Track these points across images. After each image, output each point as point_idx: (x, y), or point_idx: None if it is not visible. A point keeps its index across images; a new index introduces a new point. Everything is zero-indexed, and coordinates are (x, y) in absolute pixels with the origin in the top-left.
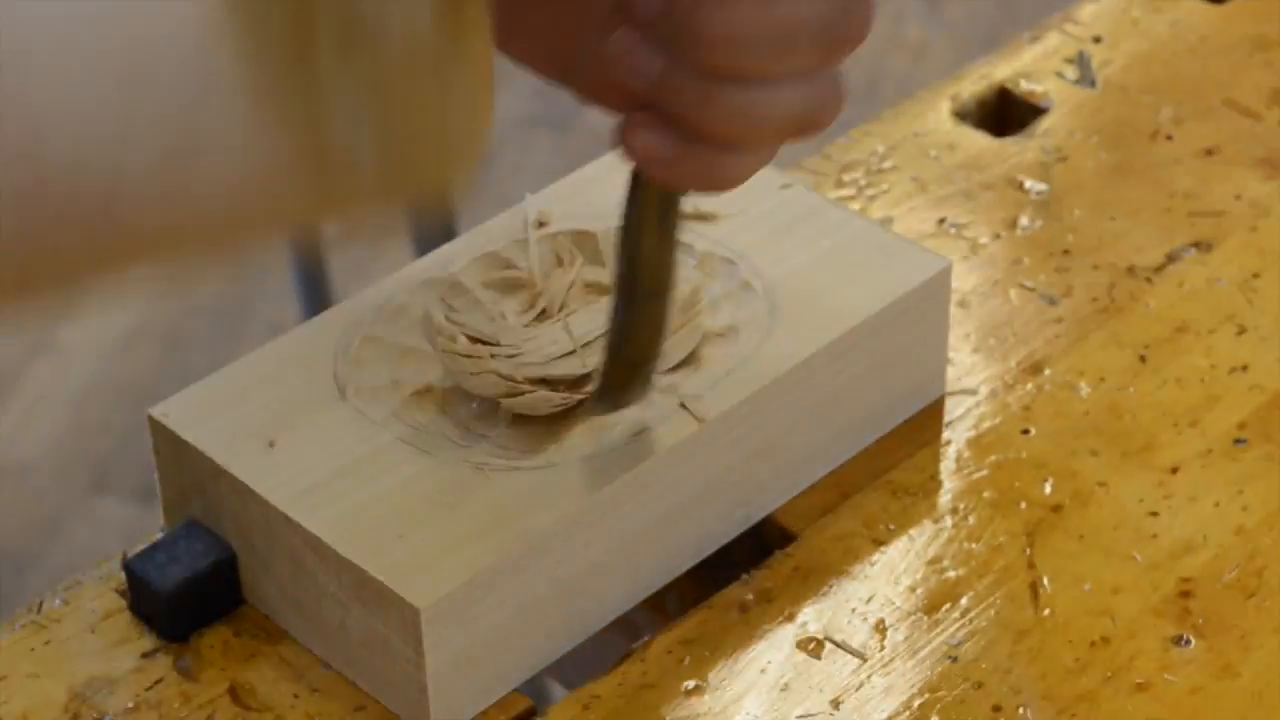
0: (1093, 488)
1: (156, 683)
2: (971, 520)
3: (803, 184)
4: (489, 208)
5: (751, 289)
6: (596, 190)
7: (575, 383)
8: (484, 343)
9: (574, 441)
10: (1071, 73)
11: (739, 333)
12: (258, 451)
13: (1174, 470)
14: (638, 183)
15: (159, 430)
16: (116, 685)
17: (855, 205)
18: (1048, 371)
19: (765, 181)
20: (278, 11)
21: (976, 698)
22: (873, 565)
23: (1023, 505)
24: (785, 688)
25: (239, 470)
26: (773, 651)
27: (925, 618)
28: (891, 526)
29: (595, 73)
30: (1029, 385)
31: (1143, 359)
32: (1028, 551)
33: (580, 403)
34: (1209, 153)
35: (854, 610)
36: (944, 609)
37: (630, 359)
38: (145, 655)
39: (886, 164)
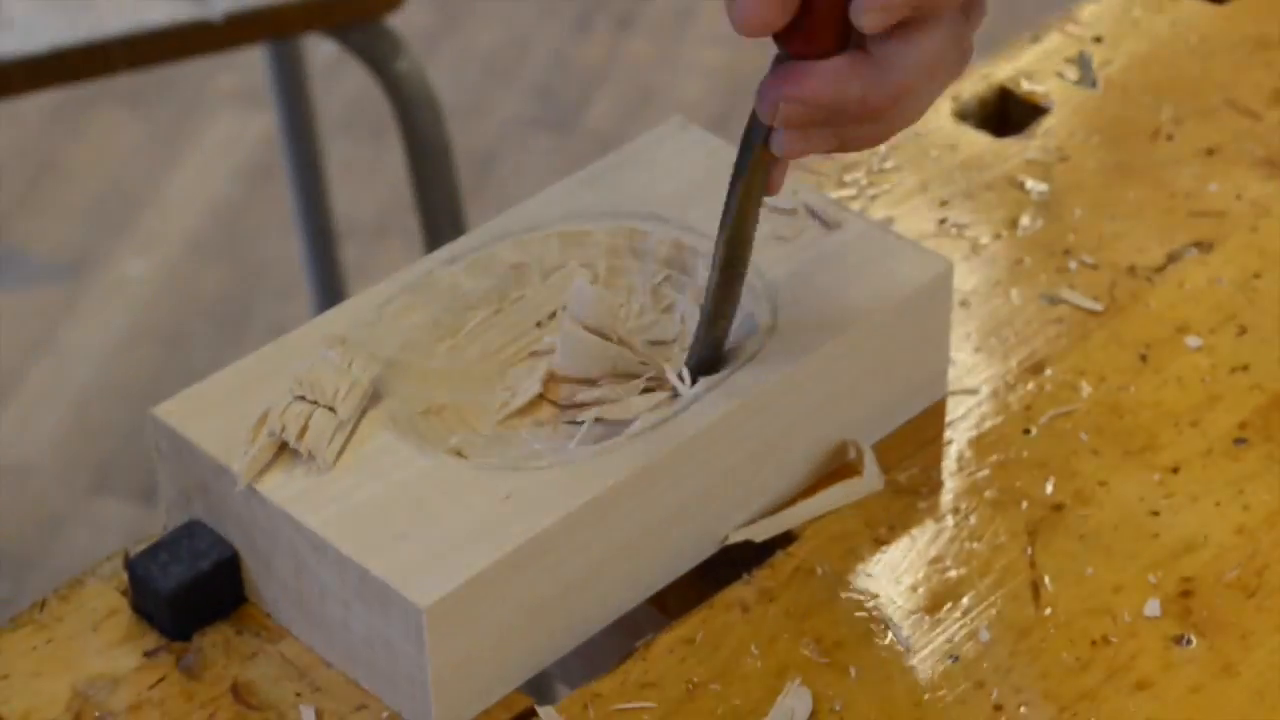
0: (1094, 487)
1: (159, 681)
2: (973, 520)
3: (805, 184)
4: (490, 207)
5: (753, 289)
6: (596, 191)
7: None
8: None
9: (576, 441)
10: (1072, 73)
11: (741, 332)
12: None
13: (1175, 470)
14: (748, 166)
15: (161, 430)
16: (119, 684)
17: (856, 205)
18: (1049, 371)
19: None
20: None
21: (978, 697)
22: (874, 565)
23: (1024, 505)
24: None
25: (241, 469)
26: (775, 651)
27: (926, 617)
28: (893, 526)
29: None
30: (1030, 385)
31: (1143, 359)
32: (1029, 551)
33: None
34: (1210, 153)
35: (855, 610)
36: (945, 608)
37: (717, 333)
38: (147, 654)
39: (888, 164)
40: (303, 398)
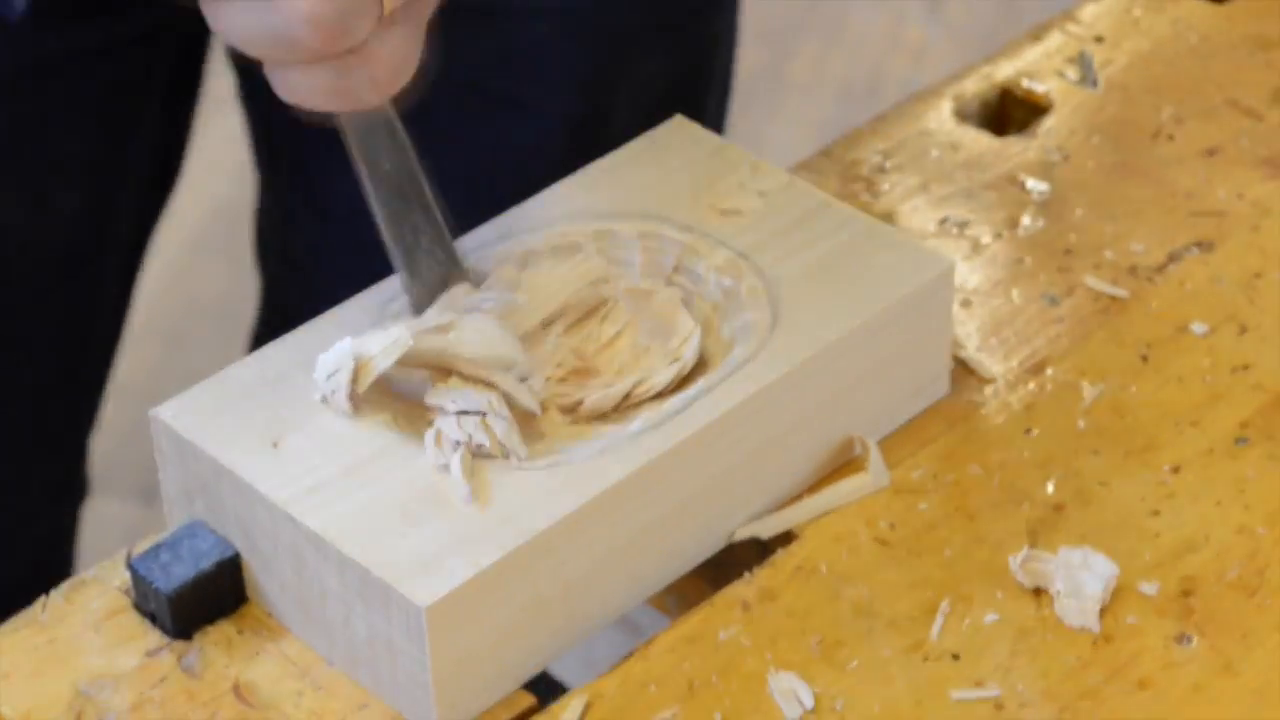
0: (1095, 487)
1: (160, 681)
2: (973, 519)
3: (805, 183)
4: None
5: (754, 288)
6: (596, 191)
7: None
8: None
9: (577, 441)
10: (1073, 72)
11: (742, 332)
12: (261, 451)
13: (1176, 469)
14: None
15: (162, 430)
16: (120, 683)
17: (857, 205)
18: (1050, 371)
19: (769, 180)
20: None
21: (978, 695)
22: (875, 563)
23: (1025, 505)
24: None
25: (242, 470)
26: (776, 650)
27: (927, 616)
28: (893, 525)
29: None
30: (1031, 385)
31: (1144, 358)
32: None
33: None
34: (1211, 152)
35: (856, 608)
36: (946, 606)
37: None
38: (149, 653)
39: (889, 163)
40: (464, 412)
